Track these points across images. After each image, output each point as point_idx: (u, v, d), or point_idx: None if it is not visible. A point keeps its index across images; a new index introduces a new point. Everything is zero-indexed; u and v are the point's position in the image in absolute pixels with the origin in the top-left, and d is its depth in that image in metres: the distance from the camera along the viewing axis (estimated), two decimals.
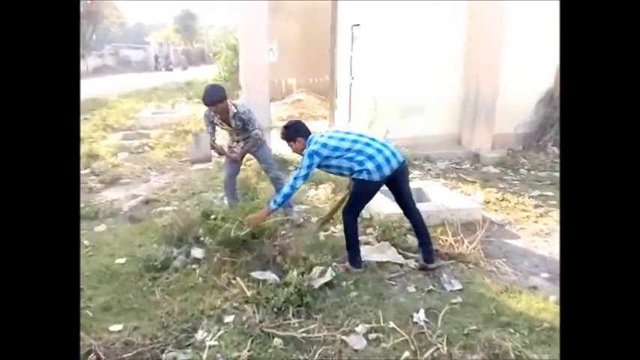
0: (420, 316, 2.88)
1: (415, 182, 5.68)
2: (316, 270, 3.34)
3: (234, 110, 4.04)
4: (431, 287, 3.30)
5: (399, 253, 3.78)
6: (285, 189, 3.39)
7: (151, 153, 7.42)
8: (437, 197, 5.10)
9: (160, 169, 6.58)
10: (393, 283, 3.38)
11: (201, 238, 3.75)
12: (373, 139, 3.40)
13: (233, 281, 3.24)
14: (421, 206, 4.58)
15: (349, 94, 8.90)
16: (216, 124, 4.15)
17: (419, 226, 3.53)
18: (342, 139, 3.34)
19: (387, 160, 3.28)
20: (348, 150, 3.30)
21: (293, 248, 3.49)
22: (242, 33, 7.15)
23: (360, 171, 3.27)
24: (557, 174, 6.52)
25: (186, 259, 3.59)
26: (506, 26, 7.16)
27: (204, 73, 19.80)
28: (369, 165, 3.25)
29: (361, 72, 8.15)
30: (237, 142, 4.30)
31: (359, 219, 3.67)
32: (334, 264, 3.54)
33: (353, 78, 8.70)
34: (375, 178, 3.26)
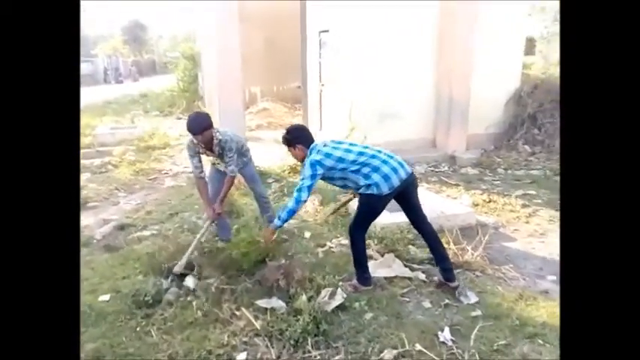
0: (447, 336, 2.72)
1: None
2: (325, 292, 3.12)
3: (219, 138, 3.71)
4: (447, 301, 3.15)
5: (405, 266, 3.62)
6: (291, 204, 3.13)
7: (116, 172, 6.91)
8: (426, 203, 4.99)
9: (128, 189, 6.12)
10: (407, 299, 3.20)
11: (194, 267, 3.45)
12: (379, 151, 3.21)
13: (237, 312, 2.95)
14: None
15: (319, 101, 8.73)
16: (201, 154, 3.84)
17: (433, 240, 3.34)
18: (348, 151, 3.13)
19: (395, 171, 3.11)
20: (354, 162, 3.10)
21: (298, 270, 3.24)
22: (211, 41, 6.80)
23: (368, 185, 3.08)
24: (535, 172, 6.64)
25: (178, 290, 3.26)
26: (476, 28, 7.25)
27: (158, 84, 19.02)
28: (376, 177, 3.07)
29: (332, 78, 8.01)
30: (218, 164, 3.98)
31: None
32: (341, 283, 3.33)
33: (323, 85, 8.54)
34: (383, 191, 3.07)
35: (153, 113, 12.95)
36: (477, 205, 5.25)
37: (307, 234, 4.34)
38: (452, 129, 7.46)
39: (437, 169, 7.00)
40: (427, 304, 3.13)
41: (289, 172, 6.33)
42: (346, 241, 4.17)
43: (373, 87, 7.30)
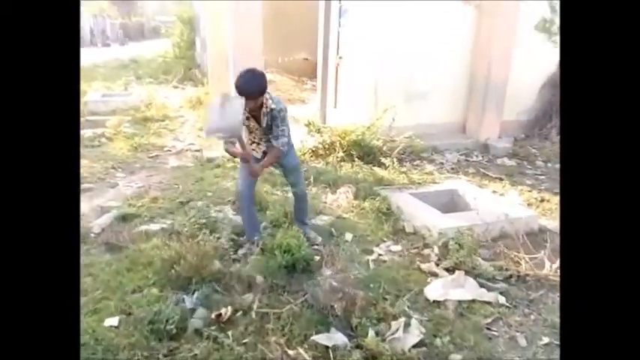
0: None
1: (445, 181, 4.92)
2: (396, 325, 2.46)
3: (272, 106, 3.01)
4: (546, 340, 2.53)
5: (480, 285, 2.98)
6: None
7: (111, 146, 6.08)
8: (477, 202, 4.36)
9: (127, 168, 5.32)
10: (495, 332, 2.58)
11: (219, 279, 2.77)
12: None
13: (290, 351, 2.28)
14: (469, 216, 3.86)
15: (335, 75, 7.92)
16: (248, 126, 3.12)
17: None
18: None
19: None
20: None
21: (360, 293, 2.57)
22: (232, 9, 5.88)
23: None
24: None
25: (206, 311, 2.57)
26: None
27: (148, 49, 17.80)
28: None
29: (352, 51, 7.20)
30: (257, 143, 3.26)
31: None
32: (407, 308, 2.69)
33: (341, 58, 7.71)
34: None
35: (146, 80, 11.93)
36: (530, 204, 4.63)
37: (348, 236, 3.66)
38: (486, 114, 6.77)
39: (470, 159, 6.34)
40: (522, 340, 2.51)
41: (311, 156, 5.59)
42: (397, 248, 3.52)
43: (399, 63, 6.52)
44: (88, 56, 16.75)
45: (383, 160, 5.13)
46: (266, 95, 2.99)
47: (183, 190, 4.62)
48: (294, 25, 11.37)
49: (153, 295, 2.68)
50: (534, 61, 7.04)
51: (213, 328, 2.42)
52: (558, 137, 7.21)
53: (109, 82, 10.91)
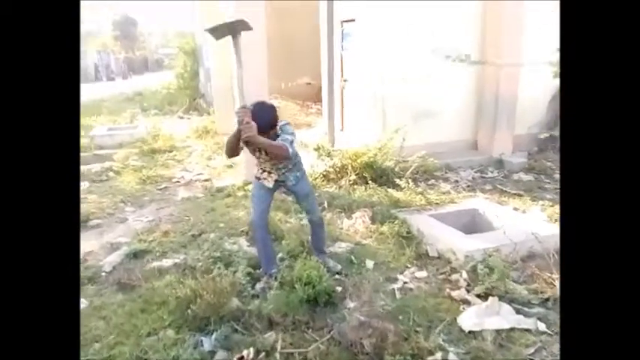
0: None
1: (463, 201, 4.76)
2: None
3: (278, 133, 2.89)
4: None
5: (517, 312, 2.79)
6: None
7: (119, 180, 6.00)
8: (500, 221, 4.19)
9: (135, 202, 5.21)
10: None
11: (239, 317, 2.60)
12: None
13: None
14: (495, 236, 3.69)
15: (341, 98, 7.87)
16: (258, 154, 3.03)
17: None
18: None
19: None
20: None
21: (391, 327, 2.39)
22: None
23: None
24: None
25: (227, 353, 2.40)
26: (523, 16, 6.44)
27: (151, 82, 18.03)
28: None
29: (356, 73, 7.16)
30: (269, 172, 3.13)
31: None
32: (442, 342, 2.50)
33: (345, 80, 7.69)
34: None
35: (152, 112, 11.98)
36: (554, 220, 4.44)
37: (369, 263, 3.48)
38: (497, 129, 6.65)
39: (485, 175, 6.18)
40: None
41: (322, 180, 5.46)
42: (423, 274, 3.34)
43: (405, 82, 6.44)
44: (93, 91, 16.97)
45: (397, 181, 4.98)
46: (278, 125, 2.88)
47: (195, 222, 4.49)
48: (295, 49, 11.44)
49: (169, 339, 2.52)
50: (542, 73, 6.95)
51: None
52: None
53: (115, 115, 10.96)
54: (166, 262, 3.57)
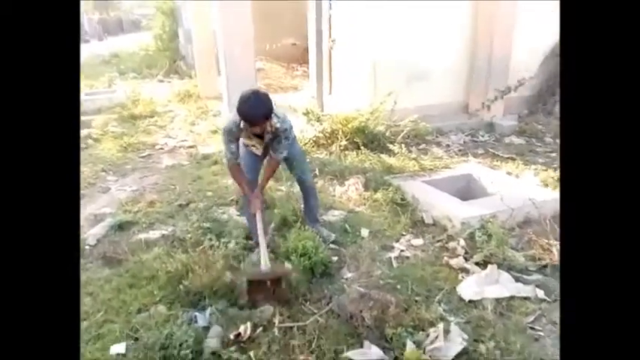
0: None
1: (457, 166, 4.67)
2: (434, 332, 2.22)
3: (277, 126, 2.76)
4: None
5: (517, 280, 2.75)
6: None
7: (99, 148, 5.74)
8: (494, 186, 4.13)
9: (118, 171, 5.00)
10: (540, 331, 2.35)
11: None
12: None
13: None
14: (491, 202, 3.63)
15: (329, 60, 7.58)
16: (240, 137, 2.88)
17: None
18: None
19: None
20: None
21: (393, 303, 2.32)
22: None
23: None
24: None
25: (222, 330, 2.31)
26: None
27: (129, 43, 17.20)
28: None
29: (345, 34, 6.86)
30: (254, 146, 2.96)
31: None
32: (443, 311, 2.45)
33: (334, 41, 7.38)
34: None
35: (130, 75, 11.47)
36: (547, 184, 4.40)
37: (364, 232, 3.40)
38: (490, 92, 6.51)
39: (476, 139, 6.10)
40: None
41: (312, 146, 5.30)
42: (419, 242, 3.27)
43: (397, 43, 6.20)
44: None
45: (390, 146, 4.86)
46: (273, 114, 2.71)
47: (181, 191, 4.32)
48: (279, 9, 10.97)
49: (161, 315, 2.41)
50: (534, 34, 6.78)
51: (232, 349, 2.16)
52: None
53: (92, 79, 10.45)
54: (153, 234, 3.43)
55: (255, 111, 2.56)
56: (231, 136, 2.78)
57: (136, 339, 2.26)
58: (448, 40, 6.40)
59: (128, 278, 2.81)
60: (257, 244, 2.87)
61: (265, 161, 3.05)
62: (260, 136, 2.83)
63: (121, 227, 3.54)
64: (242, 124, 2.71)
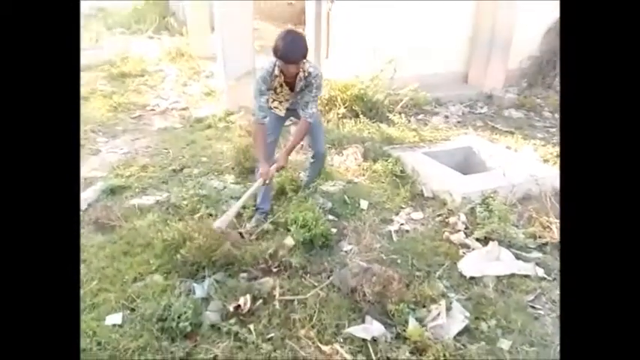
0: None
1: (456, 138, 4.60)
2: (436, 309, 2.21)
3: (310, 70, 2.69)
4: None
5: (518, 258, 2.74)
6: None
7: (87, 107, 5.51)
8: (494, 160, 4.08)
9: (108, 132, 4.83)
10: (540, 310, 2.35)
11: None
12: None
13: (324, 346, 2.01)
14: (493, 177, 3.58)
15: (327, 23, 7.31)
16: (275, 89, 2.80)
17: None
18: None
19: None
20: None
21: (396, 279, 2.28)
22: None
23: None
24: None
25: (221, 302, 2.27)
26: None
27: None
28: None
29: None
30: (280, 102, 2.88)
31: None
32: (444, 288, 2.43)
33: (332, 2, 7.09)
34: None
35: (117, 31, 10.99)
36: (546, 160, 4.37)
37: (364, 203, 3.35)
38: (491, 63, 6.37)
39: (475, 111, 6.01)
40: None
41: None
42: (419, 215, 3.24)
43: (399, 10, 5.97)
44: None
45: (390, 116, 4.75)
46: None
47: (175, 155, 4.20)
48: None
49: (158, 285, 2.36)
50: (537, 5, 6.58)
51: (232, 322, 2.12)
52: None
53: None
54: (147, 200, 3.33)
55: (295, 47, 2.50)
56: (265, 85, 2.69)
57: (132, 309, 2.20)
58: (451, 9, 6.18)
59: (122, 245, 2.74)
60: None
61: (295, 125, 3.07)
62: (290, 86, 2.76)
63: (112, 192, 3.43)
64: (276, 71, 2.65)
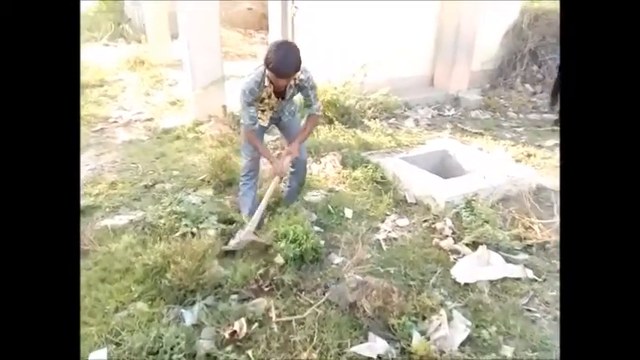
0: None
1: (431, 141, 4.63)
2: (437, 320, 2.18)
3: (300, 77, 2.62)
4: None
5: (508, 261, 2.76)
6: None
7: None
8: (470, 162, 4.13)
9: None
10: (536, 313, 2.37)
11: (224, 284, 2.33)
12: None
13: None
14: (472, 180, 3.62)
15: (292, 28, 7.24)
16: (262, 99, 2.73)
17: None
18: None
19: None
20: None
21: (395, 292, 2.23)
22: None
23: None
24: (548, 115, 5.96)
25: (214, 328, 2.14)
26: None
27: None
28: None
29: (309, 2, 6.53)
30: (263, 110, 2.79)
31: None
32: (442, 296, 2.41)
33: (297, 7, 7.02)
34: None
35: (83, 38, 10.48)
36: (518, 160, 4.48)
37: (348, 212, 3.29)
38: (456, 65, 6.49)
39: (443, 114, 6.10)
40: None
41: None
42: (405, 222, 3.21)
43: (364, 14, 5.98)
44: None
45: (366, 122, 4.73)
46: None
47: (144, 170, 3.99)
48: None
49: (143, 314, 2.20)
50: (497, 8, 6.79)
51: (228, 349, 2.00)
52: (525, 86, 7.15)
53: None
54: (120, 220, 3.13)
55: (288, 60, 2.39)
56: (253, 96, 2.60)
57: (118, 344, 2.03)
58: (415, 12, 6.26)
59: (99, 272, 2.54)
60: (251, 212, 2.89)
61: (304, 120, 2.98)
62: (280, 95, 2.69)
63: (82, 212, 3.20)
64: (266, 82, 2.55)
